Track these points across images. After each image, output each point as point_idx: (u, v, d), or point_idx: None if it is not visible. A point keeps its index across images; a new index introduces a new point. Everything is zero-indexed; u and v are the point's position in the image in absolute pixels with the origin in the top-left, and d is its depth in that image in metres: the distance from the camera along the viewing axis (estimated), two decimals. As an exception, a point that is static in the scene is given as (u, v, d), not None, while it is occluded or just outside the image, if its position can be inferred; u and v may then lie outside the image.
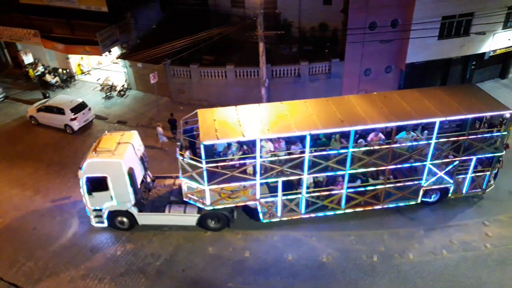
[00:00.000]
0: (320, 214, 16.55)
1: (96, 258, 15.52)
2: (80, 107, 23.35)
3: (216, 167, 14.92)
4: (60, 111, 23.04)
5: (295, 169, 15.19)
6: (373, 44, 23.08)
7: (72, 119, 22.88)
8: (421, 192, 16.75)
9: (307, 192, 15.91)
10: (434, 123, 15.13)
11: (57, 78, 27.91)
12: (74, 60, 28.84)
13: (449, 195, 17.15)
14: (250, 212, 16.78)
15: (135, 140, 16.49)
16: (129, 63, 26.13)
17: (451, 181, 16.68)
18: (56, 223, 16.96)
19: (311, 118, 15.09)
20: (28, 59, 26.88)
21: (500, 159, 16.79)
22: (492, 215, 16.89)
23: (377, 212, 17.01)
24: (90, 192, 15.59)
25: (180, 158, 15.01)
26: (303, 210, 16.36)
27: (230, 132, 14.57)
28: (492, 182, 17.34)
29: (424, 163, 15.96)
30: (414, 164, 16.07)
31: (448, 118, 15.39)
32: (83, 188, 15.57)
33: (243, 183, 15.26)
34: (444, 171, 16.35)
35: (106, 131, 17.76)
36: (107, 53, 26.40)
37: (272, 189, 15.81)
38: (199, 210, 16.01)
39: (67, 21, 26.30)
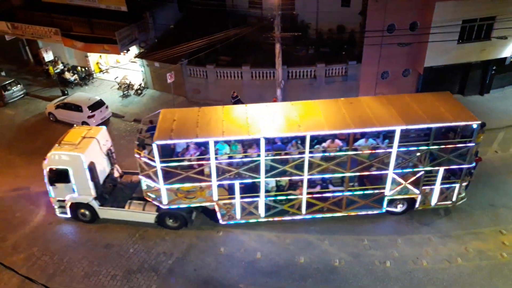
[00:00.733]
0: (282, 218, 16.43)
1: (110, 254, 15.70)
2: (97, 105, 23.69)
3: (175, 167, 14.99)
4: (78, 108, 23.40)
5: (253, 172, 15.11)
6: (391, 47, 22.85)
7: (89, 117, 23.21)
8: (385, 201, 16.35)
9: (267, 196, 15.85)
10: (395, 131, 14.65)
11: (75, 76, 28.38)
12: (93, 58, 29.31)
13: (416, 206, 16.66)
14: (209, 213, 16.83)
15: (101, 136, 16.86)
16: (147, 62, 26.40)
17: (417, 191, 16.21)
18: (72, 219, 17.20)
19: (268, 122, 15.05)
20: (48, 56, 27.36)
21: (473, 171, 16.26)
22: (510, 224, 16.49)
23: (391, 217, 16.84)
24: (52, 183, 16.16)
25: (137, 156, 15.19)
26: (262, 214, 16.26)
27: (185, 133, 14.64)
28: (463, 194, 16.74)
29: (387, 172, 15.54)
30: (376, 173, 15.66)
31: (409, 127, 14.81)
32: (46, 178, 16.11)
33: (199, 184, 15.33)
34: (408, 181, 15.88)
35: (75, 125, 17.99)
36: (125, 52, 26.73)
37: (231, 191, 15.82)
38: (158, 208, 16.21)
39: (87, 20, 26.70)
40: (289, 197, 16.01)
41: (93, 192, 16.26)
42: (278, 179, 15.75)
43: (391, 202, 16.58)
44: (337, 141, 15.48)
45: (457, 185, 16.17)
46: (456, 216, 16.95)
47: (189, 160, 15.34)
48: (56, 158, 15.81)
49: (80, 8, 26.91)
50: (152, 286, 14.46)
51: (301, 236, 16.27)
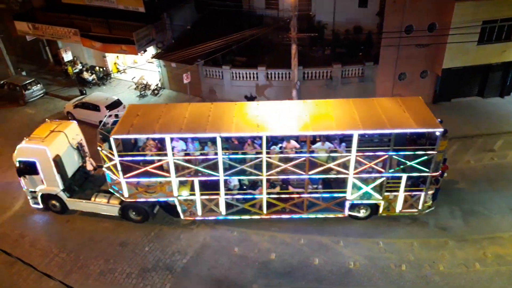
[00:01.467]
0: (244, 217, 16.49)
1: (125, 253, 15.87)
2: (115, 105, 23.89)
3: (136, 161, 15.23)
4: (95, 108, 23.71)
5: (212, 170, 15.15)
6: (408, 48, 22.60)
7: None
8: (347, 205, 16.08)
9: (228, 194, 15.95)
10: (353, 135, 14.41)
11: (93, 76, 28.80)
12: (111, 58, 29.71)
13: (380, 212, 16.35)
14: (169, 209, 17.02)
15: (70, 130, 17.36)
16: (164, 62, 26.63)
17: (380, 197, 15.90)
18: (88, 217, 17.45)
19: (227, 121, 15.06)
20: (67, 56, 27.81)
21: (440, 178, 15.90)
22: (530, 229, 16.18)
23: (406, 220, 16.64)
24: (21, 174, 16.80)
25: (99, 149, 15.51)
26: (223, 212, 16.32)
27: (143, 128, 14.85)
28: (430, 203, 16.31)
29: (346, 176, 15.28)
30: (334, 176, 15.45)
31: (367, 132, 14.54)
32: (16, 170, 16.74)
33: (158, 179, 15.54)
34: (370, 186, 15.59)
35: (47, 119, 18.36)
36: (142, 52, 27.01)
37: (193, 188, 15.94)
38: (121, 201, 16.51)
39: (105, 21, 27.06)
40: (246, 196, 16.09)
41: (60, 184, 16.84)
42: (239, 177, 15.82)
43: (354, 207, 16.35)
44: (292, 142, 15.43)
45: (422, 193, 15.83)
46: (473, 221, 16.63)
47: (146, 155, 15.51)
48: (23, 151, 16.55)
49: (99, 9, 27.32)
50: (166, 284, 14.56)
51: (314, 237, 16.20)
